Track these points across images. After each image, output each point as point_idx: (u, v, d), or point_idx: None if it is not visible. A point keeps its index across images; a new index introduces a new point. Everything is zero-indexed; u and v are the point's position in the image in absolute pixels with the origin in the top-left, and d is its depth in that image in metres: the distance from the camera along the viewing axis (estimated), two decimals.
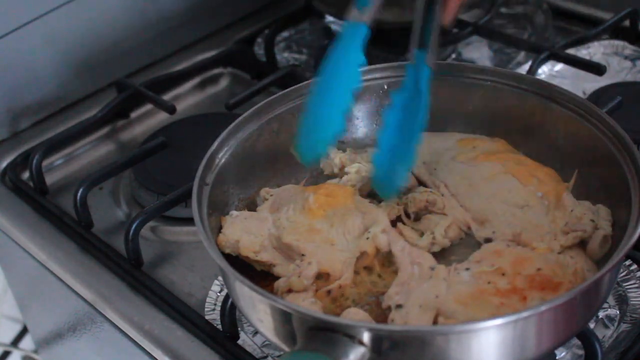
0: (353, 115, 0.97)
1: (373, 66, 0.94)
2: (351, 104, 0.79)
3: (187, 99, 1.32)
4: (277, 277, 0.82)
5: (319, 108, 0.80)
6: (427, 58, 0.84)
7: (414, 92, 0.84)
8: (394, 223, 0.87)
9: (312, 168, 0.95)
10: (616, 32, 1.28)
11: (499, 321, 0.66)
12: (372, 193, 0.90)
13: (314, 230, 0.83)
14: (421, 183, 0.92)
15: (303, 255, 0.81)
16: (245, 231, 0.84)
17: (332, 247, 0.82)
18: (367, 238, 0.83)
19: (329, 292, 0.79)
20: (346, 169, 0.92)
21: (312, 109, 0.80)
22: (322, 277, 0.80)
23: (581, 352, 0.81)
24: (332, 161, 0.93)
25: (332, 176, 0.94)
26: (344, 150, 0.95)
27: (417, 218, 0.88)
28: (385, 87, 0.93)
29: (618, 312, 0.86)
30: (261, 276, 0.84)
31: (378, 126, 0.97)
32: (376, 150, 0.85)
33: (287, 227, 0.84)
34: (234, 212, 0.86)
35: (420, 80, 0.84)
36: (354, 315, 0.75)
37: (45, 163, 1.15)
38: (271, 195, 0.90)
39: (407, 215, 0.88)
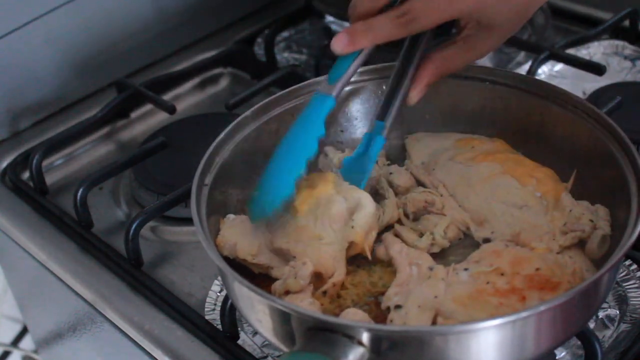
0: (352, 116, 0.97)
1: (372, 66, 0.94)
2: (303, 172, 0.82)
3: (187, 99, 1.32)
4: (276, 279, 0.82)
5: (273, 172, 0.83)
6: (383, 130, 0.89)
7: (363, 156, 0.90)
8: (392, 225, 0.87)
9: (311, 169, 0.95)
10: (616, 32, 1.28)
11: (497, 321, 0.66)
12: (371, 193, 0.90)
13: (300, 228, 0.83)
14: (420, 183, 0.92)
15: (294, 257, 0.81)
16: (242, 234, 0.84)
17: (319, 242, 0.81)
18: (352, 227, 0.83)
19: (324, 292, 0.79)
20: None
21: (267, 172, 0.83)
22: (319, 276, 0.80)
23: (581, 352, 0.81)
24: (331, 161, 0.93)
25: None
26: (342, 150, 0.95)
27: (416, 218, 0.88)
28: (384, 87, 0.93)
29: (618, 312, 0.86)
30: (260, 277, 0.84)
31: None
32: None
33: (277, 229, 0.83)
34: (231, 216, 0.87)
35: (372, 148, 0.90)
36: (353, 316, 0.75)
37: (45, 163, 1.15)
38: None
39: (406, 215, 0.88)
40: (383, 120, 0.89)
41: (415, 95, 0.87)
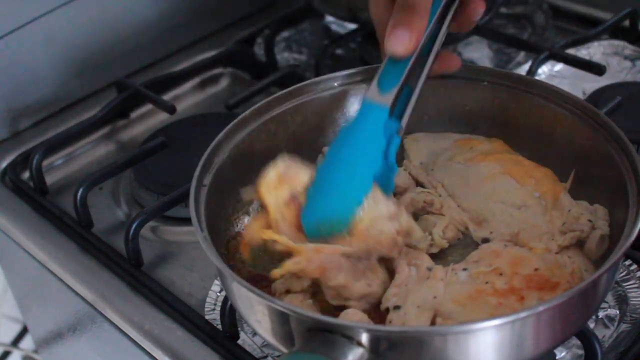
0: (350, 116, 0.96)
1: (370, 66, 0.94)
2: (371, 189, 0.75)
3: (187, 99, 1.32)
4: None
5: (338, 189, 0.76)
6: (400, 130, 0.80)
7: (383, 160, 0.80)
8: None
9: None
10: (616, 32, 1.27)
11: (496, 321, 0.66)
12: None
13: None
14: (418, 183, 0.92)
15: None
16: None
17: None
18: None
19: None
20: None
21: (328, 188, 0.76)
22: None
23: (581, 352, 0.81)
24: None
25: None
26: None
27: (415, 219, 0.88)
28: None
29: (618, 312, 0.86)
30: (258, 277, 0.84)
31: None
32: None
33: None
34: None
35: (390, 151, 0.80)
36: (352, 316, 0.75)
37: (45, 163, 1.15)
38: None
39: None
40: (399, 119, 0.80)
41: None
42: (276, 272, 0.75)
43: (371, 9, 0.79)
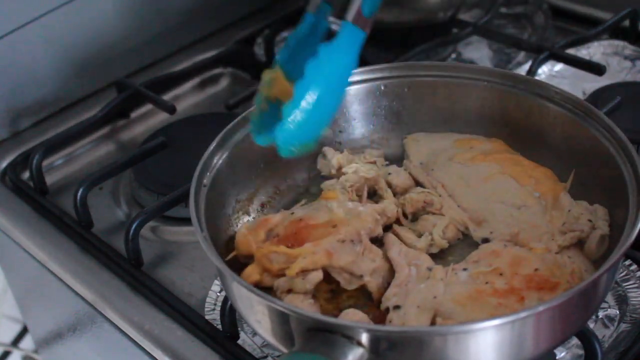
0: (350, 116, 0.97)
1: (370, 67, 0.94)
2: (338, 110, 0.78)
3: (187, 99, 1.32)
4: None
5: (313, 103, 0.75)
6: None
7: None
8: (391, 225, 0.87)
9: (310, 169, 0.95)
10: (616, 32, 1.27)
11: (496, 322, 0.66)
12: (370, 193, 0.91)
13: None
14: (418, 183, 0.92)
15: None
16: None
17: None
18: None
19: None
20: (344, 170, 0.92)
21: (305, 98, 0.74)
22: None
23: (581, 352, 0.81)
24: (330, 162, 0.93)
25: (330, 177, 0.94)
26: (341, 151, 0.95)
27: (415, 219, 0.88)
28: (383, 87, 0.93)
29: (618, 312, 0.86)
30: None
31: (375, 127, 0.97)
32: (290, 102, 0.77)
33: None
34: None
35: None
36: (352, 316, 0.75)
37: (45, 163, 1.15)
38: None
39: (405, 215, 0.89)
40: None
41: None
42: (290, 271, 0.78)
43: None
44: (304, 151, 0.77)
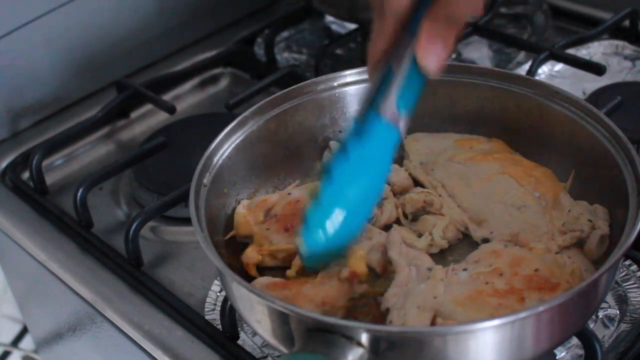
0: (350, 116, 0.96)
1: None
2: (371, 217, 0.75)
3: (187, 99, 1.32)
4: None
5: (343, 215, 0.70)
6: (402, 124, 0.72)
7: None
8: (391, 225, 0.87)
9: (310, 170, 0.95)
10: (616, 32, 1.27)
11: (496, 322, 0.66)
12: None
13: None
14: (418, 183, 0.92)
15: None
16: None
17: None
18: None
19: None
20: None
21: (334, 211, 0.70)
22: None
23: (581, 352, 0.81)
24: None
25: None
26: None
27: (415, 219, 0.88)
28: None
29: (618, 312, 0.86)
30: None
31: None
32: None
33: None
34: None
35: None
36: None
37: (45, 163, 1.15)
38: None
39: (405, 215, 0.88)
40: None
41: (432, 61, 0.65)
42: (290, 272, 0.81)
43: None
44: (332, 260, 0.75)
